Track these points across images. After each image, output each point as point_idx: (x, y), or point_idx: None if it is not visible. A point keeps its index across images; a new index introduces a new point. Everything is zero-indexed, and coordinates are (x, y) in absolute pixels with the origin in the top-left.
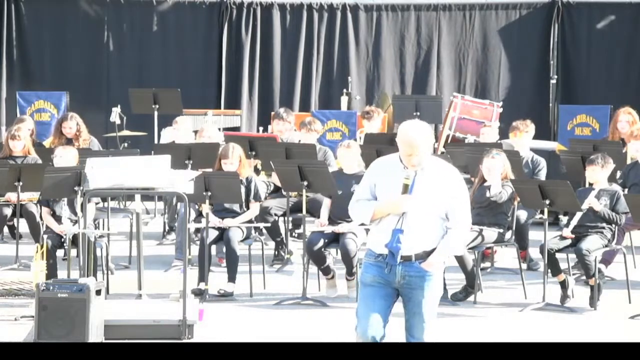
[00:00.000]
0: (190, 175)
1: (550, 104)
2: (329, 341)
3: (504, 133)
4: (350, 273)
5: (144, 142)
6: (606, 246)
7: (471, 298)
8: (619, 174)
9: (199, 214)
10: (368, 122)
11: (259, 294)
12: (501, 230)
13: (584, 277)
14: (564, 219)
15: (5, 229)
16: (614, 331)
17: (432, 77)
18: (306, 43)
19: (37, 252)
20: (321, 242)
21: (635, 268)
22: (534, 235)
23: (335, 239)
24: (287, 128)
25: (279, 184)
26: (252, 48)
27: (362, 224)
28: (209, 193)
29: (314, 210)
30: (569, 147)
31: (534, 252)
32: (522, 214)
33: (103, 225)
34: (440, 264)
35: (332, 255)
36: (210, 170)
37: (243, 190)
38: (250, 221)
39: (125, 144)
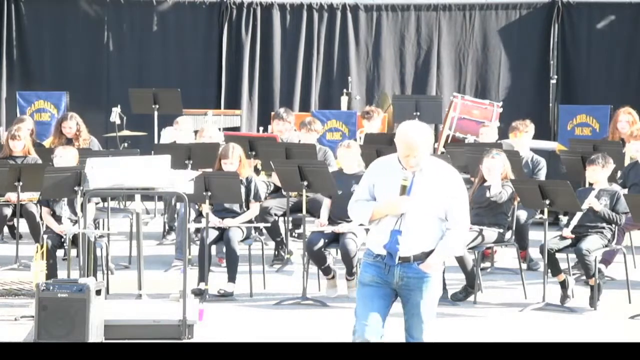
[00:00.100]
0: (190, 175)
1: (550, 104)
2: (329, 341)
3: (503, 133)
4: (350, 273)
5: (144, 142)
6: (606, 246)
7: (471, 298)
8: (619, 174)
9: (199, 214)
10: (368, 122)
11: (259, 294)
12: (501, 230)
13: (584, 277)
14: (564, 219)
15: (5, 229)
16: (614, 331)
17: (432, 77)
18: (306, 43)
19: (37, 252)
20: (321, 242)
21: (635, 268)
22: (534, 235)
23: (335, 239)
24: (287, 128)
25: (279, 184)
26: (252, 48)
27: (362, 224)
28: (209, 193)
29: (314, 210)
30: (569, 147)
31: (534, 252)
32: (522, 214)
33: (103, 225)
34: (438, 265)
35: (332, 255)
36: (210, 170)
37: (243, 190)
38: (250, 221)
39: (125, 144)
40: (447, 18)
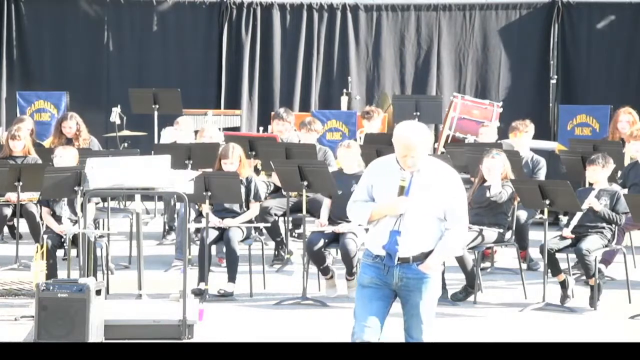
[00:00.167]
0: (190, 175)
1: (550, 104)
2: (329, 341)
3: (503, 133)
4: (350, 273)
5: (144, 142)
6: (606, 246)
7: (471, 298)
8: (619, 174)
9: (199, 214)
10: (368, 122)
11: (259, 294)
12: (501, 230)
13: (584, 277)
14: (564, 219)
15: (5, 229)
16: (614, 331)
17: (432, 77)
18: (306, 43)
19: (37, 252)
20: (321, 242)
21: (635, 268)
22: (534, 235)
23: (335, 239)
24: (287, 128)
25: (279, 184)
26: (252, 48)
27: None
28: (209, 193)
29: (314, 210)
30: (569, 147)
31: (534, 252)
32: (522, 214)
33: (103, 225)
34: (438, 266)
35: (332, 255)
36: (210, 170)
37: (243, 190)
38: (250, 221)
39: (125, 144)
40: (447, 18)
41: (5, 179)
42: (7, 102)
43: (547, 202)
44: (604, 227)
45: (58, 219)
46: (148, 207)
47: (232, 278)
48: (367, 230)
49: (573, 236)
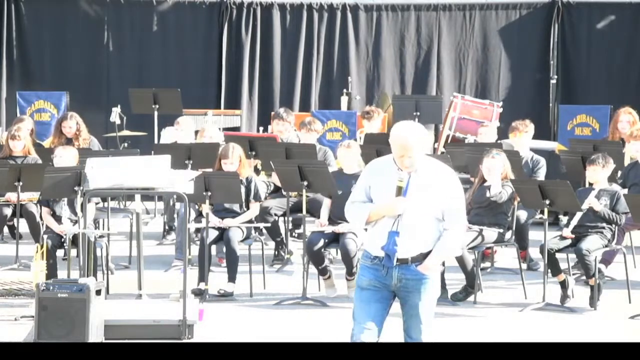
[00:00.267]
0: (190, 175)
1: (550, 104)
2: (329, 341)
3: (503, 133)
4: (350, 273)
5: (144, 142)
6: (606, 246)
7: (471, 298)
8: (619, 174)
9: (199, 214)
10: (368, 122)
11: (259, 294)
12: (501, 230)
13: (584, 277)
14: (564, 219)
15: (5, 229)
16: (614, 331)
17: (432, 77)
18: (306, 43)
19: (37, 252)
20: (321, 242)
21: (635, 268)
22: (534, 235)
23: (335, 239)
24: (287, 128)
25: (279, 184)
26: (252, 48)
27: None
28: (209, 193)
29: (314, 210)
30: (569, 147)
31: (534, 252)
32: (522, 214)
33: (103, 225)
34: (436, 267)
35: (332, 255)
36: (210, 170)
37: (243, 190)
38: (250, 221)
39: (125, 144)
40: (447, 18)
41: (5, 179)
42: (7, 102)
43: (547, 202)
44: (604, 227)
45: (58, 219)
46: (148, 207)
47: (232, 278)
48: (366, 229)
49: (573, 236)
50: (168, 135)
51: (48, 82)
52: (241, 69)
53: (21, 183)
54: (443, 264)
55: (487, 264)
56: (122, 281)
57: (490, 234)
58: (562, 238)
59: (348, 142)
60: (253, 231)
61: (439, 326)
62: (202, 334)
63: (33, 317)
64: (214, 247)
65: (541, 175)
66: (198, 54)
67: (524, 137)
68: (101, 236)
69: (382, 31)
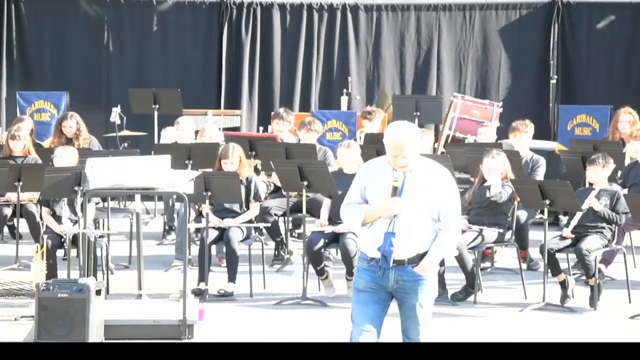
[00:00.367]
0: (190, 175)
1: (550, 104)
2: (329, 341)
3: (504, 133)
4: (350, 273)
5: (144, 142)
6: (606, 246)
7: (471, 298)
8: (619, 174)
9: (199, 214)
10: (370, 123)
11: (259, 294)
12: (501, 230)
13: (584, 277)
14: (564, 219)
15: (5, 229)
16: (614, 331)
17: (432, 77)
18: (306, 43)
19: (37, 252)
20: (321, 242)
21: (635, 268)
22: (534, 235)
23: (335, 239)
24: (287, 128)
25: (279, 184)
26: (252, 48)
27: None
28: (209, 193)
29: (314, 210)
30: (569, 147)
31: (534, 252)
32: (522, 214)
33: (103, 225)
34: (433, 268)
35: (332, 256)
36: (210, 170)
37: (243, 190)
38: (250, 221)
39: (125, 144)
40: (447, 18)
41: (5, 179)
42: (7, 102)
43: (547, 202)
44: (604, 227)
45: (58, 219)
46: (148, 207)
47: (232, 278)
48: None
49: (573, 236)
50: (168, 135)
51: (48, 82)
52: (241, 69)
53: (21, 183)
54: (443, 263)
55: (487, 264)
56: (122, 281)
57: (490, 234)
58: (562, 238)
59: (348, 142)
60: (253, 231)
61: (439, 326)
62: (202, 334)
63: (33, 317)
64: (214, 247)
65: (539, 174)
66: (198, 54)
67: (524, 137)
68: (101, 236)
69: (382, 31)
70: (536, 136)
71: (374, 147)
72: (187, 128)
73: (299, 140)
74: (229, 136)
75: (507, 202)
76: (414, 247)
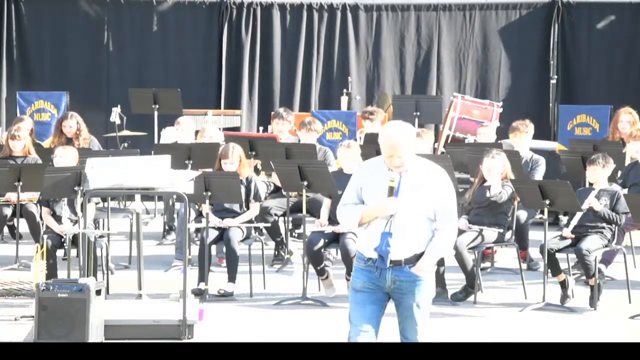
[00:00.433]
0: (190, 175)
1: (550, 104)
2: (329, 341)
3: (504, 133)
4: (350, 273)
5: (144, 142)
6: (606, 246)
7: (471, 298)
8: (619, 174)
9: (199, 214)
10: (371, 123)
11: (259, 294)
12: (501, 230)
13: (584, 277)
14: (564, 219)
15: (5, 229)
16: (614, 331)
17: (432, 77)
18: (306, 43)
19: (37, 252)
20: (321, 242)
21: (635, 268)
22: (534, 235)
23: (335, 239)
24: (287, 128)
25: (279, 184)
26: (252, 48)
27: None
28: (209, 193)
29: (314, 210)
30: (569, 147)
31: (534, 252)
32: (522, 214)
33: (103, 225)
34: (430, 268)
35: (332, 256)
36: (210, 170)
37: (243, 190)
38: (250, 221)
39: (125, 144)
40: (447, 18)
41: (5, 179)
42: (7, 102)
43: (547, 202)
44: (604, 227)
45: (58, 219)
46: (148, 207)
47: (232, 278)
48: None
49: (573, 236)
50: (168, 135)
51: (48, 82)
52: (241, 69)
53: (21, 183)
54: (443, 263)
55: (487, 264)
56: (122, 281)
57: (490, 234)
58: (562, 238)
59: (348, 142)
60: (253, 231)
61: (439, 326)
62: (202, 334)
63: (33, 317)
64: (214, 247)
65: (538, 173)
66: (198, 54)
67: (524, 137)
68: (101, 236)
69: (382, 31)
70: (536, 136)
71: (374, 147)
72: (187, 128)
73: (299, 140)
74: (229, 136)
75: (507, 202)
76: (411, 247)
